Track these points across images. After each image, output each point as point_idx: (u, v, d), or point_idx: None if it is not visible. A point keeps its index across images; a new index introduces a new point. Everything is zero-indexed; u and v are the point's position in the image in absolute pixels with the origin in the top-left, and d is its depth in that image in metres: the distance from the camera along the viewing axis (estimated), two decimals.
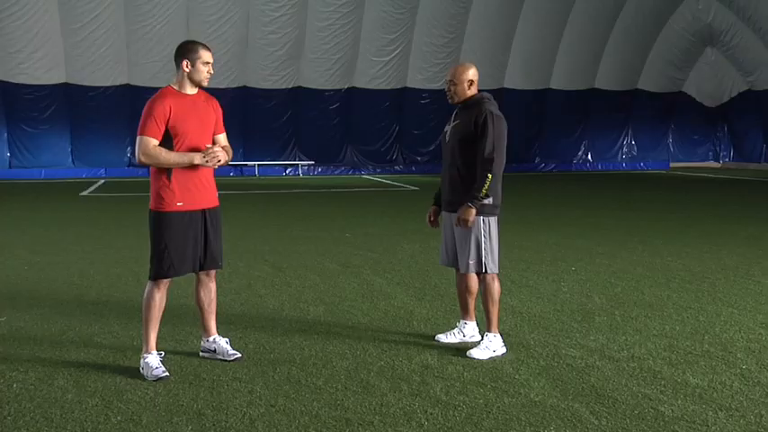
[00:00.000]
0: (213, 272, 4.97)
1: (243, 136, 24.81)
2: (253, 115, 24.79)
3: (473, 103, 5.12)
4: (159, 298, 4.70)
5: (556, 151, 28.28)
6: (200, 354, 4.99)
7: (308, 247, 9.43)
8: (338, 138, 26.15)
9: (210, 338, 4.99)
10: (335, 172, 25.75)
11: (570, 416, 3.98)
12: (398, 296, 6.77)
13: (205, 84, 4.78)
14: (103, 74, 23.13)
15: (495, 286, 5.12)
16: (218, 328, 5.06)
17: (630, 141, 29.65)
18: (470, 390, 4.37)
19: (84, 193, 18.16)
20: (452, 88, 5.15)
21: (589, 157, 29.07)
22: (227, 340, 5.03)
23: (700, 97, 29.62)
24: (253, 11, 23.23)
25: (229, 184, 20.29)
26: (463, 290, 5.31)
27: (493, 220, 5.09)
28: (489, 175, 4.91)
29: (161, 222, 4.67)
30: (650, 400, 4.22)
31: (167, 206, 4.65)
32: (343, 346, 5.23)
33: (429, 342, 5.33)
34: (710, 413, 4.01)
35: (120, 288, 7.05)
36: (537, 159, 28.09)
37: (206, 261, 4.85)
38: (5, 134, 23.43)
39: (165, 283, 4.71)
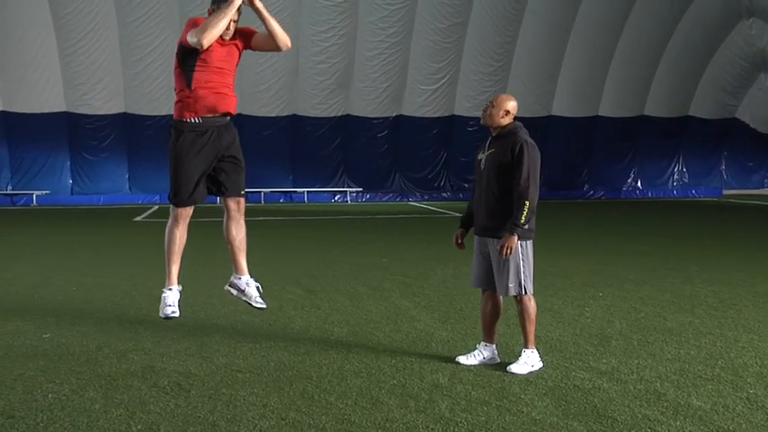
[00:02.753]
0: (242, 205, 5.17)
1: (292, 163, 25.47)
2: (302, 143, 25.40)
3: (507, 133, 5.37)
4: (179, 233, 4.93)
5: (605, 178, 28.12)
6: (227, 288, 5.16)
7: (343, 272, 9.69)
8: (386, 165, 26.54)
9: (243, 278, 5.18)
10: (383, 199, 26.09)
11: None
12: (422, 319, 6.96)
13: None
14: (159, 103, 23.96)
15: (532, 305, 5.38)
16: (242, 346, 5.32)
17: (682, 168, 29.28)
18: (475, 408, 4.54)
19: (138, 218, 18.82)
20: (489, 110, 5.39)
21: (639, 184, 28.81)
22: (259, 285, 5.24)
23: (754, 123, 29.14)
24: (302, 41, 23.84)
25: (278, 211, 20.79)
26: (490, 312, 5.53)
27: (529, 243, 5.35)
28: (527, 203, 5.16)
29: (177, 138, 4.93)
30: (649, 420, 4.32)
31: (187, 115, 4.91)
32: (359, 365, 5.44)
33: (444, 363, 5.49)
34: None
35: (157, 308, 7.35)
36: (586, 186, 27.98)
37: (227, 188, 5.10)
38: (68, 162, 24.57)
39: (184, 218, 4.91)
